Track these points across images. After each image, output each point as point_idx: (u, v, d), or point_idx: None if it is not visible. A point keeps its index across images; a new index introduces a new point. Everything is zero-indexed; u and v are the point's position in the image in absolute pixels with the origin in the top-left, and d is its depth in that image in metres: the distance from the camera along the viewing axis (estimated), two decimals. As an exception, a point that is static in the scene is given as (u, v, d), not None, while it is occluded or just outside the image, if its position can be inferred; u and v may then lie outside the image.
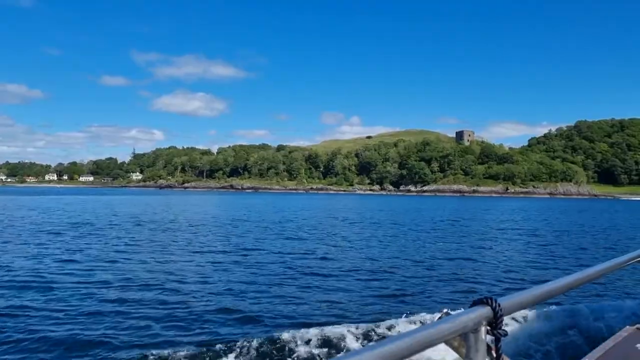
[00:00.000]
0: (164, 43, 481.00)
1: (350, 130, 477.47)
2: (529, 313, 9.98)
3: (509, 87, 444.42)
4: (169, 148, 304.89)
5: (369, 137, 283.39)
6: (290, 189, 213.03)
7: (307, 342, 8.75)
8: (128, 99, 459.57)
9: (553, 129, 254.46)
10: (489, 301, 1.66)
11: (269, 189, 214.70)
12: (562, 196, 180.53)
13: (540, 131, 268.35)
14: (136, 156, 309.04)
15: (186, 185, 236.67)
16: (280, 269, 16.99)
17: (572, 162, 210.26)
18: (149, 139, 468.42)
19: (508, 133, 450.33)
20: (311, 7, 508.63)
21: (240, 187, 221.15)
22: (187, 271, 16.36)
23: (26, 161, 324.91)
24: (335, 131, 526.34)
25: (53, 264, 17.28)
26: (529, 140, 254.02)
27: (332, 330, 9.21)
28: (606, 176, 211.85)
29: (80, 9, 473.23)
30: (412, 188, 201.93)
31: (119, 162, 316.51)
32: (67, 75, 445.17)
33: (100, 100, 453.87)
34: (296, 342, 8.73)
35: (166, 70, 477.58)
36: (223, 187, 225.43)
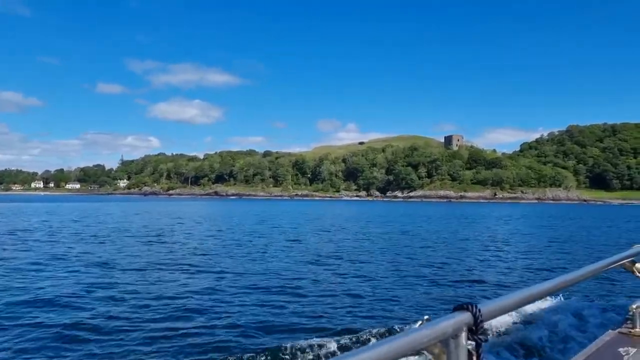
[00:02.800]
0: (160, 51, 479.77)
1: (346, 137, 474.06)
2: (510, 318, 9.89)
3: (506, 93, 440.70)
4: (158, 155, 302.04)
5: (361, 143, 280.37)
6: (275, 196, 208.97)
7: (283, 356, 8.57)
8: (124, 107, 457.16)
9: (545, 133, 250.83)
10: (469, 307, 1.65)
11: (254, 195, 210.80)
12: (551, 201, 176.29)
13: (537, 137, 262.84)
14: (124, 163, 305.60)
15: (171, 192, 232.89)
16: (252, 282, 15.52)
17: (564, 167, 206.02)
18: (145, 146, 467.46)
19: (505, 139, 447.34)
20: (309, 14, 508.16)
21: (224, 194, 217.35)
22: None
23: (13, 169, 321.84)
24: (331, 138, 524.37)
25: None
26: (520, 145, 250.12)
27: (309, 344, 8.92)
28: (598, 181, 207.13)
29: (76, 17, 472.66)
30: (399, 194, 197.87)
31: (107, 169, 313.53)
32: (63, 83, 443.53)
33: (97, 108, 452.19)
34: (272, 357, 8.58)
35: (163, 77, 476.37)
36: (207, 194, 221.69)
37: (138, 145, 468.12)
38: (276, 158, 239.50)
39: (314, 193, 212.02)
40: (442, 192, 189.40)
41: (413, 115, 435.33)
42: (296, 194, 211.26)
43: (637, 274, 4.04)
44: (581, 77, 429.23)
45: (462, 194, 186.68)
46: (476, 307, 1.66)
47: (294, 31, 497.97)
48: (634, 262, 4.02)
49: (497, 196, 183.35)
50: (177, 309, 12.03)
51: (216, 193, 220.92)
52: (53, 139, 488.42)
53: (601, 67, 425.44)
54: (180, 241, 28.22)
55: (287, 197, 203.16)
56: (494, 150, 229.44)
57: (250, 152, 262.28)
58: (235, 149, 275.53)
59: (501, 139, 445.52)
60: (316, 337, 9.44)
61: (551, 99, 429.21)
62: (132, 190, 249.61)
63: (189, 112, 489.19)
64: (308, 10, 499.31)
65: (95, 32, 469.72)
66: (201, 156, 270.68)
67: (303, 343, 8.99)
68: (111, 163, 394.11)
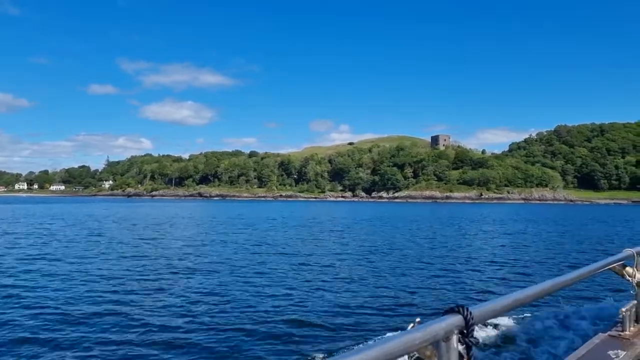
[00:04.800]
0: (152, 51, 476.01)
1: (339, 137, 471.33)
2: (501, 321, 9.94)
3: (499, 94, 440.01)
4: (144, 155, 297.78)
5: (350, 144, 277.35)
6: (260, 197, 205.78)
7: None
8: (116, 108, 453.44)
9: (534, 133, 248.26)
10: (461, 309, 1.66)
11: (237, 196, 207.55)
12: (537, 202, 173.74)
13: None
14: (110, 164, 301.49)
15: (154, 193, 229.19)
16: (228, 290, 14.84)
17: (552, 167, 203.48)
18: (137, 148, 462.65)
19: (497, 139, 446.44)
20: (303, 15, 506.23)
21: (208, 195, 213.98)
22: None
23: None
24: (324, 139, 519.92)
25: None
26: (509, 146, 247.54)
27: (299, 348, 9.03)
28: (586, 181, 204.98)
29: (67, 17, 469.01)
30: (384, 194, 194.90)
31: (93, 170, 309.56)
32: (54, 84, 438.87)
33: (88, 109, 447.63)
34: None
35: (154, 78, 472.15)
36: (191, 195, 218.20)
37: (129, 147, 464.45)
38: (262, 158, 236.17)
39: (299, 194, 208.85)
40: (427, 193, 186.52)
41: (406, 116, 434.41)
42: (280, 195, 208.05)
43: (627, 277, 4.10)
44: (572, 78, 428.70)
45: (447, 194, 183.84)
46: (467, 309, 1.66)
47: (287, 31, 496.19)
48: (624, 266, 4.08)
49: (483, 196, 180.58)
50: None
51: (200, 194, 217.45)
52: (44, 140, 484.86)
53: (591, 68, 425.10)
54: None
55: (271, 198, 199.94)
56: (484, 151, 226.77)
57: (236, 153, 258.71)
58: (227, 149, 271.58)
59: (493, 139, 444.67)
60: (307, 341, 9.48)
61: (543, 99, 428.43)
62: (115, 191, 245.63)
63: (181, 113, 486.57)
64: (302, 10, 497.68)
65: (86, 32, 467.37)
66: (187, 157, 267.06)
67: (293, 348, 9.06)
68: (101, 164, 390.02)
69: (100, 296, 13.53)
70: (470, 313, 1.66)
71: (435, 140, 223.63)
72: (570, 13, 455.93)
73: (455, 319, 1.63)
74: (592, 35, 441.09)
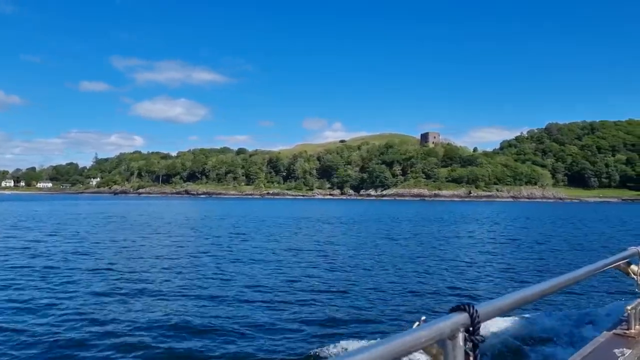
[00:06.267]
0: (145, 48, 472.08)
1: (332, 135, 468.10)
2: (507, 319, 9.94)
3: (495, 93, 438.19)
4: (133, 153, 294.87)
5: (342, 141, 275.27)
6: (247, 194, 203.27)
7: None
8: (108, 105, 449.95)
9: (525, 131, 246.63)
10: (466, 307, 1.65)
11: (224, 194, 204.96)
12: (526, 200, 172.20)
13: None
14: (98, 161, 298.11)
15: (141, 191, 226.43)
16: (232, 288, 14.59)
17: (543, 165, 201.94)
18: (129, 145, 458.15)
19: (491, 138, 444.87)
20: (298, 14, 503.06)
21: (195, 193, 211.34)
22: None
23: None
24: (317, 137, 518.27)
25: None
26: (500, 143, 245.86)
27: (303, 347, 9.19)
28: (576, 179, 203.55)
29: (59, 14, 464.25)
30: (373, 192, 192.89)
31: (81, 167, 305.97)
32: (46, 82, 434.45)
33: (80, 106, 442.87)
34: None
35: (147, 75, 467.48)
36: (178, 193, 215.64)
37: (121, 144, 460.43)
38: (250, 156, 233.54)
39: (287, 192, 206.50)
40: (415, 190, 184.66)
41: (399, 114, 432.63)
42: (267, 193, 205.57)
43: (632, 275, 4.10)
44: (567, 77, 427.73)
45: (436, 192, 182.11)
46: (473, 307, 1.65)
47: (284, 31, 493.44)
48: (629, 264, 4.08)
49: (471, 194, 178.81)
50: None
51: (187, 192, 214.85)
52: (36, 138, 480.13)
53: (586, 67, 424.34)
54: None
55: (258, 196, 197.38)
56: (475, 149, 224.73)
57: (224, 150, 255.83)
58: (219, 147, 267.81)
59: (487, 137, 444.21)
60: (312, 340, 9.55)
61: (536, 98, 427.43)
62: (102, 189, 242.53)
63: (174, 111, 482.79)
64: (299, 10, 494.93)
65: (78, 30, 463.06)
66: (175, 154, 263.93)
67: (298, 346, 9.16)
68: (90, 162, 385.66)
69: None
70: (476, 311, 1.65)
71: (424, 137, 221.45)
72: (568, 13, 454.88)
73: (461, 317, 1.63)
74: (590, 35, 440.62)
